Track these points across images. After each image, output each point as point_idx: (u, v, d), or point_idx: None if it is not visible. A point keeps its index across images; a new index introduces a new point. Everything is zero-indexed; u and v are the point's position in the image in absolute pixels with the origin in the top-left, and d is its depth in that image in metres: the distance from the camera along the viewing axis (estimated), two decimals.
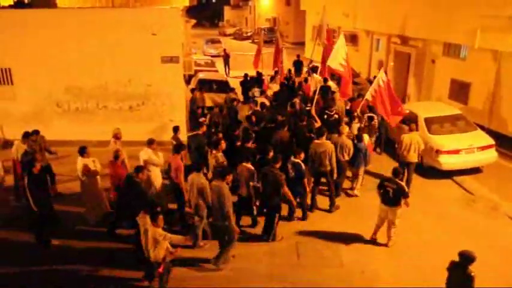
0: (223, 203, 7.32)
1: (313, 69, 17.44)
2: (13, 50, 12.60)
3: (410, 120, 11.49)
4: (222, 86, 17.16)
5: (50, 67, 12.72)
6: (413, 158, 10.43)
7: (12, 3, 16.14)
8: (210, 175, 9.02)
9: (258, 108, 12.62)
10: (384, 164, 11.98)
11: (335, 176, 9.73)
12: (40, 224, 8.28)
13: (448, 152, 11.12)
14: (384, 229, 8.55)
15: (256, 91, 15.33)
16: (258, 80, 17.25)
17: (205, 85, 16.87)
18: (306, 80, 16.81)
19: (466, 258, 5.77)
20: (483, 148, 11.34)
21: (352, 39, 24.41)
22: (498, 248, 8.34)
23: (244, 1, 62.55)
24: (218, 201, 7.39)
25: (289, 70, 18.87)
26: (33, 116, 13.04)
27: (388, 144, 13.06)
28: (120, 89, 13.07)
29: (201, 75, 18.44)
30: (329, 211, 9.83)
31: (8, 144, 12.97)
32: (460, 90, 15.42)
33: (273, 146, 9.28)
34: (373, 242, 8.66)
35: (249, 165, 8.51)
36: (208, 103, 15.37)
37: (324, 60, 13.88)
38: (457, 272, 5.88)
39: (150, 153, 9.21)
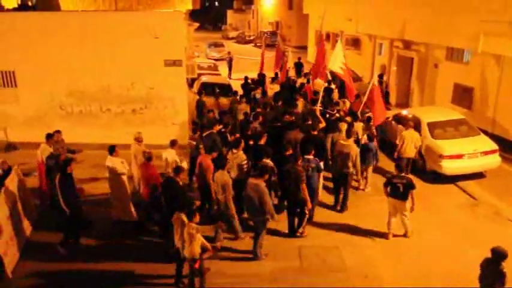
0: (263, 199, 7.63)
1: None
2: (17, 53, 12.64)
3: (406, 120, 11.88)
4: (225, 90, 17.21)
5: (54, 70, 12.76)
6: (412, 153, 11.17)
7: (16, 6, 16.18)
8: (232, 174, 9.05)
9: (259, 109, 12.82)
10: (382, 163, 12.01)
11: (359, 177, 10.48)
12: (69, 224, 8.34)
13: (451, 157, 11.08)
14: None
15: (258, 93, 15.75)
16: (260, 82, 17.47)
17: (208, 88, 16.96)
18: (308, 81, 17.00)
19: (499, 254, 5.81)
20: (486, 153, 11.31)
21: (355, 43, 24.43)
22: None
23: (247, 5, 62.73)
24: (257, 198, 7.65)
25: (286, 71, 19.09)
26: (37, 119, 13.10)
27: (382, 144, 13.18)
28: (123, 92, 13.09)
29: (204, 79, 18.48)
30: (341, 211, 10.01)
31: (11, 146, 13.02)
32: (463, 95, 15.38)
33: (287, 145, 9.59)
34: (376, 245, 8.66)
35: (269, 161, 8.76)
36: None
37: (316, 64, 14.76)
38: (489, 269, 5.92)
39: (173, 154, 9.51)
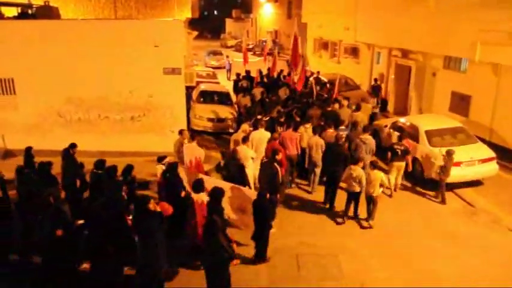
0: (373, 151, 11.11)
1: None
2: (16, 61, 12.67)
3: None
4: (223, 98, 17.31)
5: (53, 77, 12.79)
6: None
7: (16, 14, 16.23)
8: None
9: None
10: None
11: None
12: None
13: None
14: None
15: (244, 82, 18.52)
16: (248, 77, 19.46)
17: (206, 96, 17.14)
18: (289, 73, 19.46)
19: None
20: (484, 161, 11.33)
21: (353, 52, 24.56)
22: (498, 261, 8.30)
23: (246, 14, 63.06)
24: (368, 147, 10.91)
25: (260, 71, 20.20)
26: (35, 126, 13.11)
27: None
28: (121, 100, 13.12)
29: (202, 87, 18.54)
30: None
31: (8, 154, 13.01)
32: (460, 103, 15.45)
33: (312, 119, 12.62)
34: (375, 253, 8.64)
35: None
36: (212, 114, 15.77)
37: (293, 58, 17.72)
38: None
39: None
